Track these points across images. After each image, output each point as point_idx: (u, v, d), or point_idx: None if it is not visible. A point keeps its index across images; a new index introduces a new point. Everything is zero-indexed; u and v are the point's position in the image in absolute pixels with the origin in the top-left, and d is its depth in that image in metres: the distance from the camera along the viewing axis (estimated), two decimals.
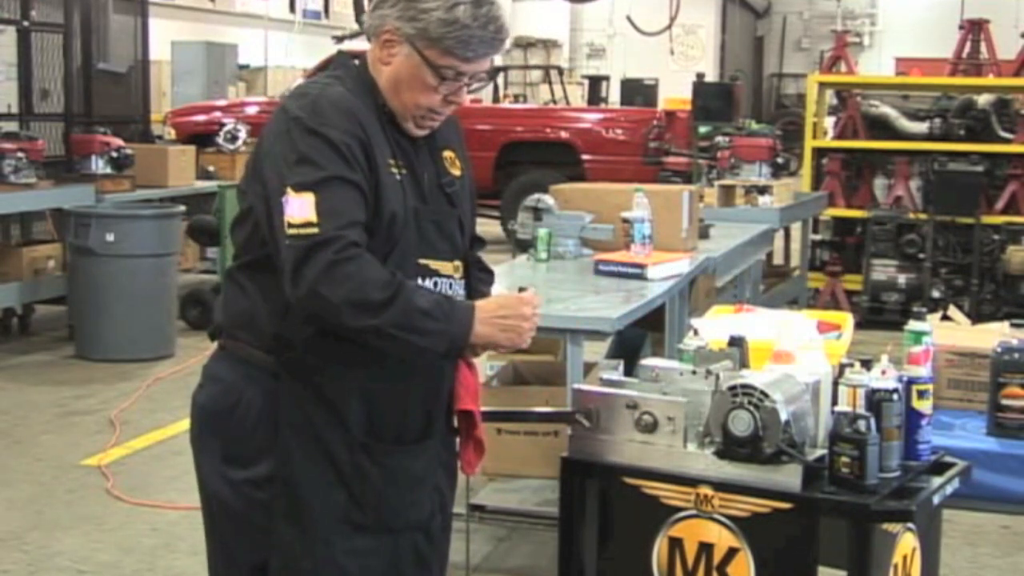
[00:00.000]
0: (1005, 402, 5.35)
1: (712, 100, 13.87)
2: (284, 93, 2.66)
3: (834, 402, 2.74)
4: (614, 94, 23.11)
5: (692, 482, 2.67)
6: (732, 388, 2.61)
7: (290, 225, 2.30)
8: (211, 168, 10.10)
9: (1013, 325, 6.11)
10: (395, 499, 2.50)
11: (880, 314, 9.17)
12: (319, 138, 2.36)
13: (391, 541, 2.51)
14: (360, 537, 2.47)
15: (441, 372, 2.54)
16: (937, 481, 2.78)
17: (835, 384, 2.76)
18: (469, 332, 2.39)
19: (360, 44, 17.67)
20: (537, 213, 5.26)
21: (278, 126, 2.42)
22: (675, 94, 20.31)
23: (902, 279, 9.37)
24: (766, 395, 2.57)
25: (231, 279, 2.55)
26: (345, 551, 2.46)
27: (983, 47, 11.16)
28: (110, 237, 7.59)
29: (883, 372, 2.73)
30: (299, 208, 2.30)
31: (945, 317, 7.04)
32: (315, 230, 2.29)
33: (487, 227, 13.39)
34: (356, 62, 2.56)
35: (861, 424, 2.58)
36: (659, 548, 2.71)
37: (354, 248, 2.30)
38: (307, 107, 2.40)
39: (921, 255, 9.30)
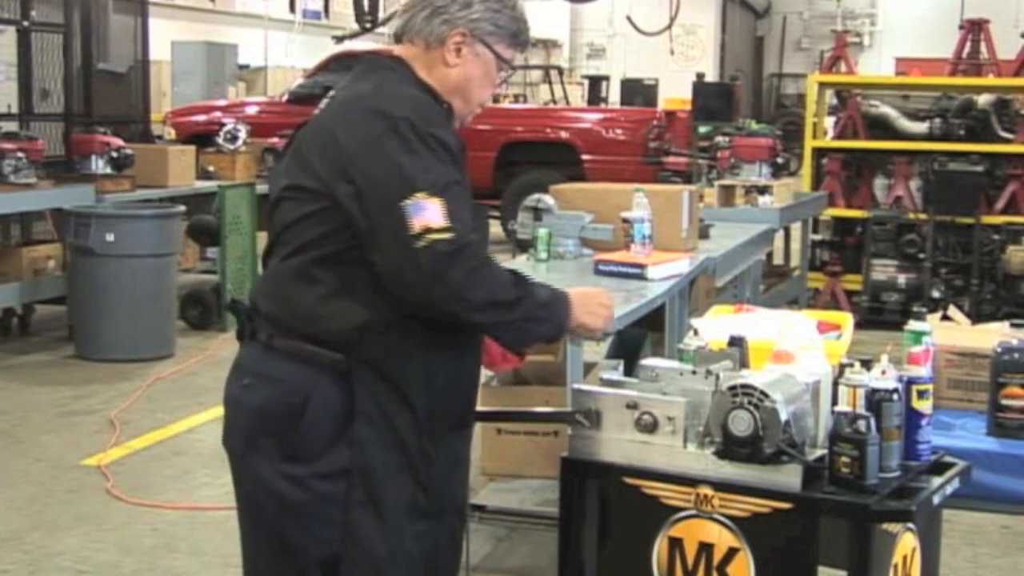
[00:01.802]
0: (1005, 402, 5.35)
1: (712, 100, 13.89)
2: (337, 91, 2.67)
3: (834, 402, 2.74)
4: (614, 94, 23.12)
5: (692, 482, 2.66)
6: (732, 388, 2.61)
7: (428, 230, 2.37)
8: (211, 168, 10.10)
9: (1013, 325, 6.11)
10: (450, 483, 2.62)
11: (880, 314, 9.16)
12: (435, 140, 2.44)
13: (437, 525, 2.61)
14: (420, 522, 2.56)
15: (480, 359, 2.68)
16: (937, 481, 2.78)
17: (835, 384, 2.76)
18: (569, 317, 2.59)
19: (360, 44, 17.57)
20: (537, 213, 5.25)
21: (374, 125, 2.44)
22: (675, 94, 20.32)
23: (902, 279, 9.37)
24: (766, 395, 2.57)
25: (300, 275, 2.51)
26: (411, 536, 2.55)
27: (983, 47, 11.14)
28: (110, 237, 7.59)
29: (883, 372, 2.72)
30: (434, 213, 2.38)
31: (945, 317, 7.04)
32: (450, 235, 2.38)
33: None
34: (386, 58, 2.64)
35: (861, 424, 2.58)
36: (659, 548, 2.71)
37: (482, 250, 2.46)
38: (408, 107, 2.47)
39: (921, 255, 9.30)
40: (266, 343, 2.55)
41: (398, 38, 2.66)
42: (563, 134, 13.35)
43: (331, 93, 2.65)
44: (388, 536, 2.52)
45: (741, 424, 2.58)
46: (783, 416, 2.56)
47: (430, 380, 2.52)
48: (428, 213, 2.38)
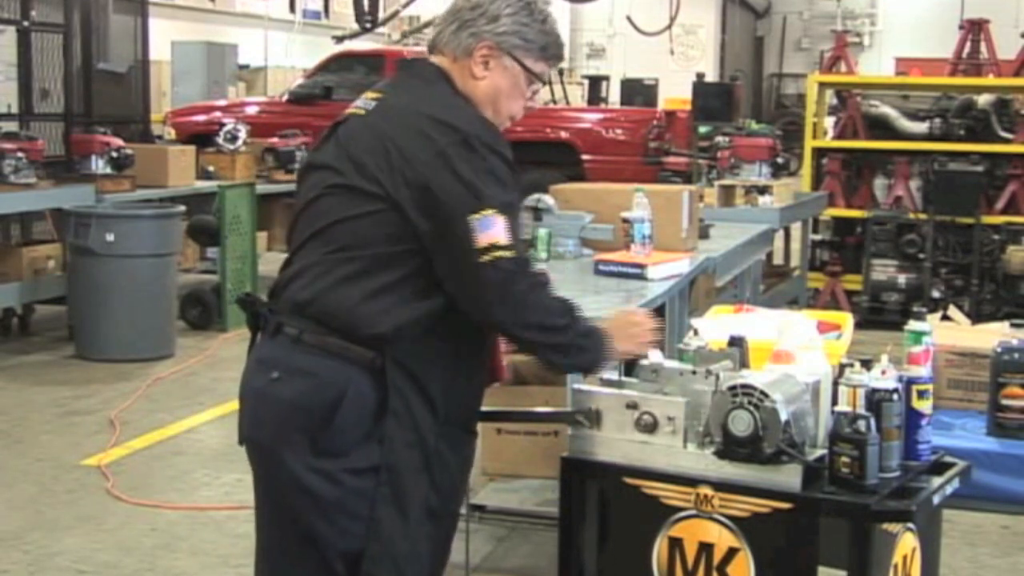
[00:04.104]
0: (1005, 402, 5.35)
1: (712, 100, 13.84)
2: (374, 96, 2.69)
3: (834, 402, 2.74)
4: (614, 94, 23.07)
5: (692, 482, 2.66)
6: (732, 388, 2.61)
7: (494, 247, 2.43)
8: (211, 168, 10.09)
9: (1013, 325, 6.11)
10: (459, 487, 2.70)
11: (880, 314, 9.17)
12: (501, 159, 2.50)
13: (440, 526, 2.66)
14: (430, 522, 2.61)
15: (486, 367, 2.74)
16: (937, 481, 2.78)
17: (835, 384, 2.76)
18: (610, 349, 2.66)
19: (360, 44, 17.44)
20: (537, 213, 5.26)
21: (444, 136, 2.48)
22: (675, 94, 20.27)
23: (902, 279, 9.37)
24: (766, 395, 2.57)
25: (344, 272, 2.54)
26: (424, 536, 2.60)
27: (983, 47, 11.14)
28: (110, 237, 7.59)
29: (883, 372, 2.72)
30: (500, 230, 2.45)
31: (945, 317, 7.04)
32: (513, 253, 2.45)
33: None
34: (428, 67, 2.67)
35: (861, 424, 2.58)
36: (659, 548, 2.71)
37: (541, 271, 2.53)
38: (476, 123, 2.53)
39: (921, 255, 9.30)
40: (296, 338, 2.55)
41: (431, 50, 2.70)
42: (563, 134, 13.32)
43: (371, 95, 2.66)
44: (408, 534, 2.56)
45: (741, 424, 2.58)
46: (783, 416, 2.56)
47: (451, 384, 2.58)
48: (495, 230, 2.44)
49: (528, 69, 2.66)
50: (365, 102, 2.64)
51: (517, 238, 2.49)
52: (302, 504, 2.54)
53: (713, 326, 3.50)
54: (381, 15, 17.86)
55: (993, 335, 5.80)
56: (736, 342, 2.95)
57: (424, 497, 2.58)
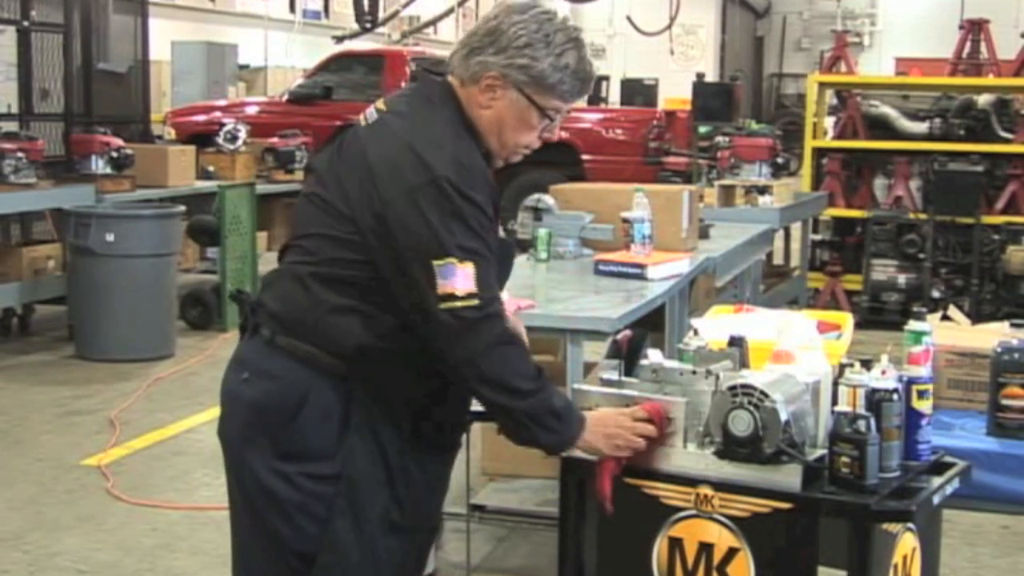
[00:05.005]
0: (1005, 402, 5.33)
1: (712, 100, 13.84)
2: (380, 108, 2.64)
3: (834, 402, 2.73)
4: (614, 94, 23.08)
5: (692, 482, 2.66)
6: (732, 388, 2.61)
7: (452, 296, 2.38)
8: (211, 168, 10.10)
9: (1013, 325, 6.09)
10: (427, 503, 2.64)
11: (880, 314, 9.16)
12: (473, 205, 2.42)
13: (410, 540, 2.63)
14: (392, 536, 2.58)
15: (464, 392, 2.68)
16: (937, 481, 2.77)
17: (835, 384, 2.76)
18: (576, 441, 2.59)
19: (360, 44, 17.44)
20: (537, 213, 5.26)
21: (415, 175, 2.42)
22: (675, 94, 20.27)
23: (902, 279, 9.37)
24: (766, 395, 2.57)
25: (311, 285, 2.53)
26: (383, 548, 2.57)
27: (983, 47, 11.14)
28: (110, 237, 7.59)
29: (883, 372, 2.72)
30: (463, 279, 2.39)
31: (945, 317, 7.03)
32: (477, 302, 2.39)
33: None
34: (439, 85, 2.59)
35: (861, 424, 2.58)
36: (659, 548, 2.71)
37: (510, 328, 2.45)
38: (451, 165, 2.43)
39: (921, 255, 9.30)
40: (268, 340, 2.56)
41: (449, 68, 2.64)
42: (563, 134, 13.28)
43: (379, 106, 2.61)
44: (361, 545, 2.55)
45: (741, 424, 2.58)
46: (783, 416, 2.56)
47: (420, 404, 2.55)
48: (456, 279, 2.38)
49: (536, 105, 2.55)
50: (371, 113, 2.60)
51: (484, 286, 2.40)
52: (263, 504, 2.55)
53: (713, 326, 3.50)
54: (381, 15, 17.86)
55: (993, 335, 5.78)
56: (736, 342, 2.94)
57: (384, 510, 2.55)
